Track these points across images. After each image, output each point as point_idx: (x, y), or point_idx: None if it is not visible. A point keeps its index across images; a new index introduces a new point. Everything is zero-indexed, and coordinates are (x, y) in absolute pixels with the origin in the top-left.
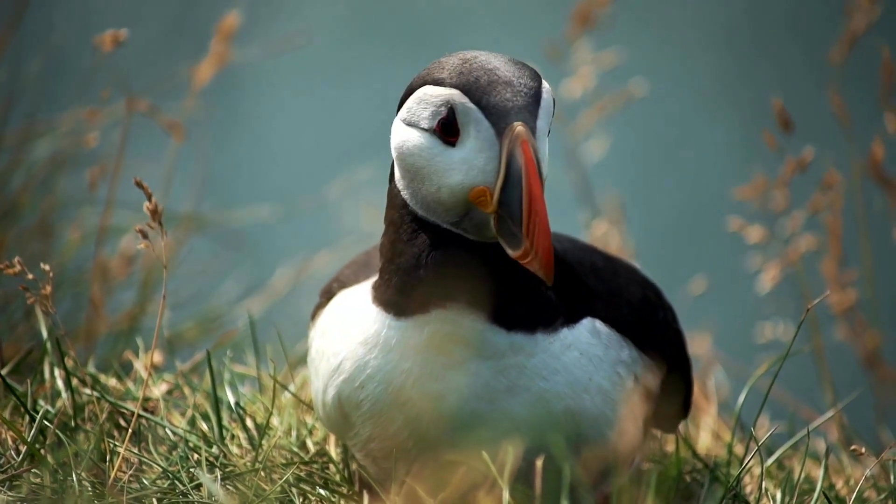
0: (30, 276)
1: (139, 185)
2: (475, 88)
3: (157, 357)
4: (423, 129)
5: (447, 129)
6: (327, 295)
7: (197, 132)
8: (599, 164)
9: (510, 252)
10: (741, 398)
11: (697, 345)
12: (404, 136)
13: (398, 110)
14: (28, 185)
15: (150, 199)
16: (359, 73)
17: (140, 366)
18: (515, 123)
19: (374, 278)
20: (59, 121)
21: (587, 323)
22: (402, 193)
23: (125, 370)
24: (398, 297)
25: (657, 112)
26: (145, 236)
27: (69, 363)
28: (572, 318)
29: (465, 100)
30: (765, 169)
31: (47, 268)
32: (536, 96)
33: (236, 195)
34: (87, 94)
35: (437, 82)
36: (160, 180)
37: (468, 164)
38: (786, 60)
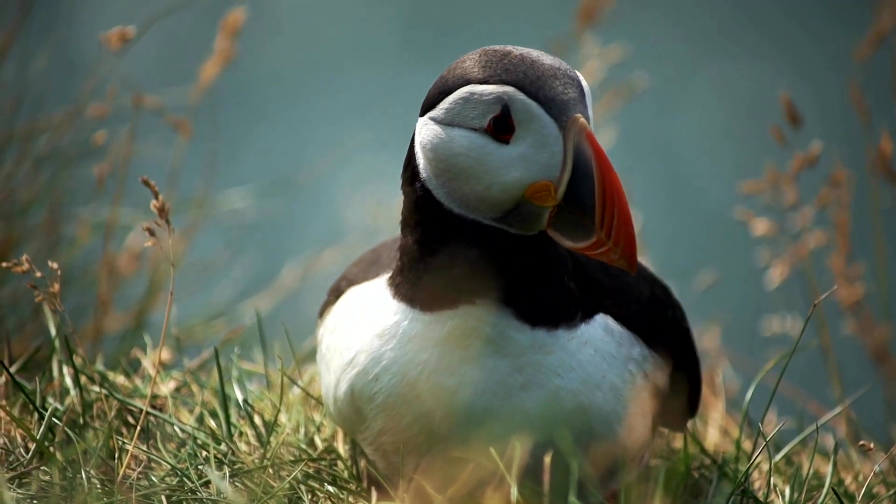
0: (38, 274)
1: (146, 183)
2: (527, 83)
3: (165, 354)
4: (471, 128)
5: (501, 126)
6: (336, 293)
7: (204, 129)
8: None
9: (569, 244)
10: (749, 394)
11: (705, 340)
12: (444, 136)
13: (424, 110)
14: (35, 182)
15: (156, 196)
16: (367, 69)
17: (148, 363)
18: (577, 116)
19: (385, 275)
20: (66, 118)
21: (600, 320)
22: (433, 193)
23: (133, 367)
24: (426, 294)
25: (664, 105)
26: (152, 234)
27: (77, 361)
28: (587, 313)
29: (521, 96)
30: (774, 163)
31: (55, 265)
32: (580, 86)
33: (243, 191)
34: (94, 91)
35: (483, 81)
36: (167, 177)
37: (528, 160)
38: (794, 54)
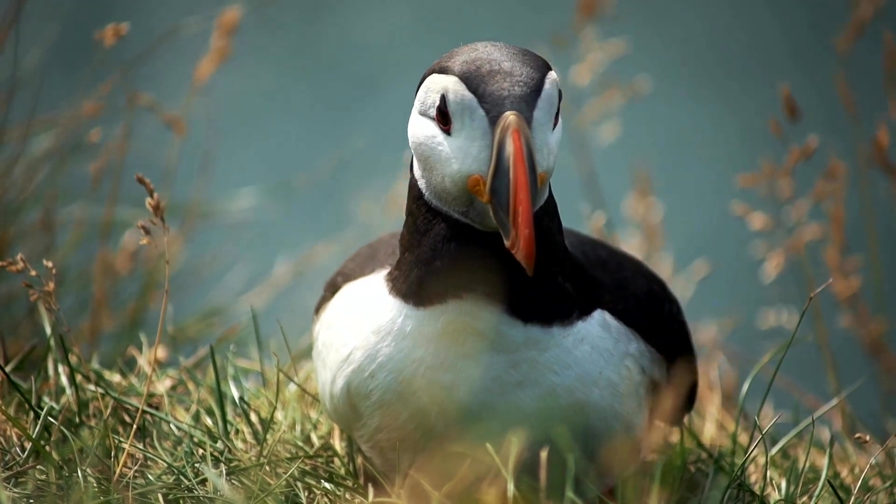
0: (33, 273)
1: (141, 181)
2: (474, 77)
3: (161, 353)
4: (431, 117)
5: (441, 116)
6: (332, 289)
7: (200, 127)
8: (605, 153)
9: (505, 241)
10: (745, 387)
11: (701, 333)
12: (417, 124)
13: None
14: (30, 180)
15: (151, 194)
16: (365, 68)
17: (144, 361)
18: (508, 112)
19: (382, 271)
20: (61, 115)
21: (598, 316)
22: (418, 184)
23: (129, 366)
24: (416, 288)
25: (662, 100)
26: (147, 232)
27: (73, 360)
28: (584, 311)
29: (460, 87)
30: (769, 156)
31: (50, 264)
32: (537, 87)
33: (237, 187)
34: (89, 88)
35: (443, 70)
36: (163, 174)
37: (464, 153)
38: (790, 48)
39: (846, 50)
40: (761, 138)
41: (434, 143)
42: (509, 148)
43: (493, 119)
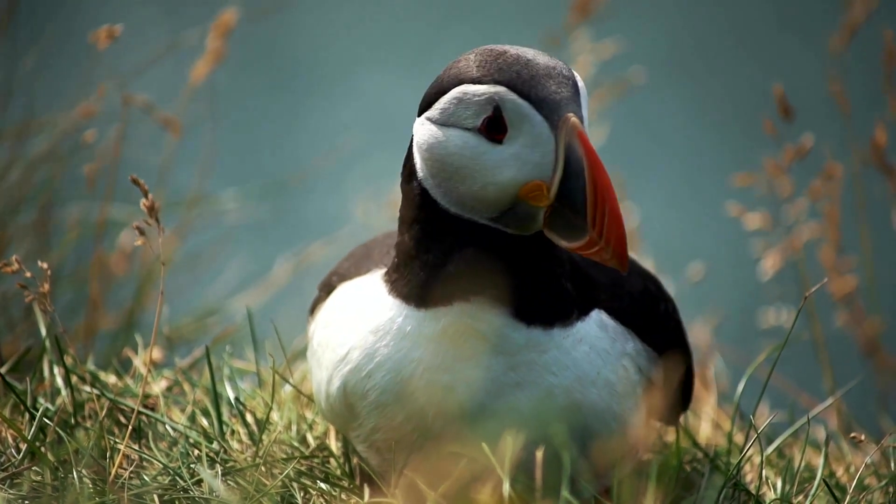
0: (28, 274)
1: (135, 182)
2: (520, 83)
3: (157, 353)
4: (465, 128)
5: (494, 126)
6: (327, 288)
7: (196, 127)
8: (599, 152)
9: (564, 243)
10: (740, 387)
11: (697, 333)
12: (439, 136)
13: (421, 110)
14: (26, 181)
15: (146, 195)
16: (361, 68)
17: (139, 362)
18: (568, 115)
19: (378, 270)
20: (57, 117)
21: (595, 315)
22: (430, 192)
23: (124, 367)
24: (420, 290)
25: (656, 100)
26: (142, 233)
27: (68, 361)
28: (583, 311)
29: (512, 96)
30: (766, 156)
31: (45, 265)
32: (575, 85)
33: (234, 189)
34: (84, 90)
35: (476, 80)
36: (158, 174)
37: (521, 160)
38: (785, 48)
39: (839, 50)
40: (758, 138)
41: (474, 153)
42: (580, 151)
43: (554, 123)
